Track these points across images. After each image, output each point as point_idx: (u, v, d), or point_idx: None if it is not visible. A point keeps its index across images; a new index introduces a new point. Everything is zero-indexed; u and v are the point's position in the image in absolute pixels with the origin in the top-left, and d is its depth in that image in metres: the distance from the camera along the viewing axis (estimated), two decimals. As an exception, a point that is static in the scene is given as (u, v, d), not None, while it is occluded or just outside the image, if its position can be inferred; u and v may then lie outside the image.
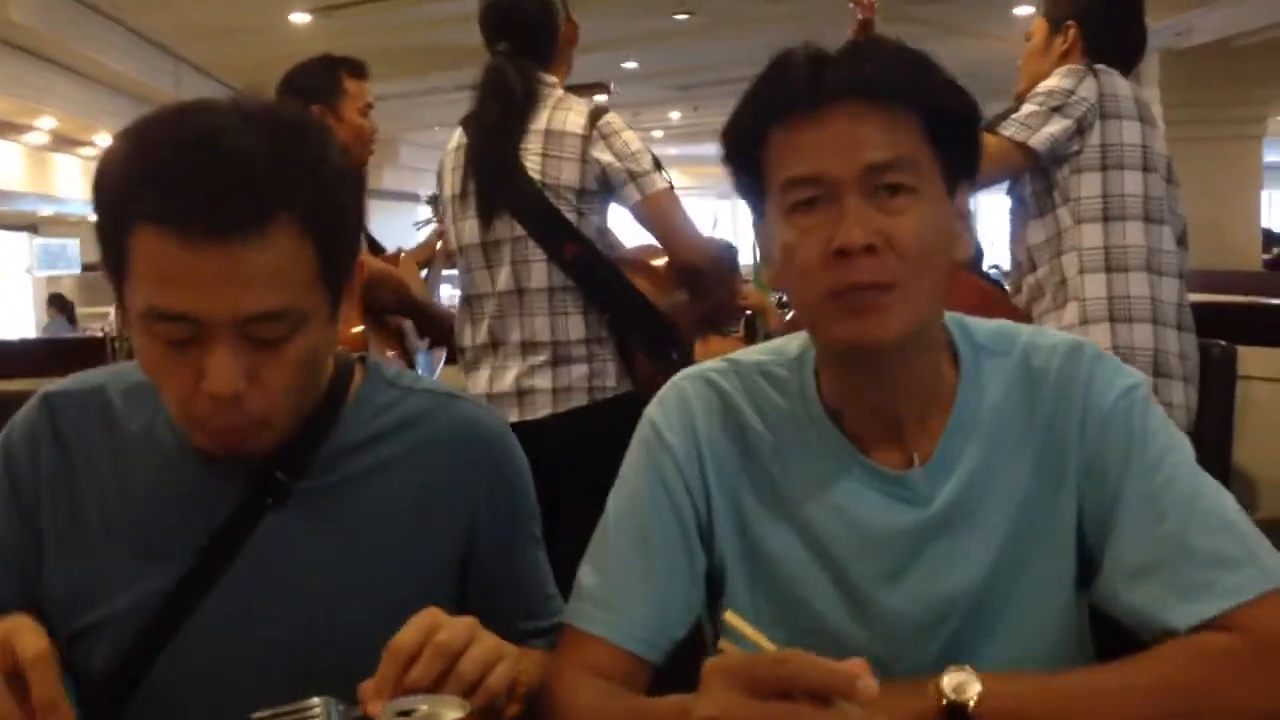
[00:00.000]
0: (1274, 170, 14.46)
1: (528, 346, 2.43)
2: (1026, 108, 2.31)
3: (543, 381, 2.41)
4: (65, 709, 0.87)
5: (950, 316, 1.10)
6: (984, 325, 1.11)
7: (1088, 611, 1.08)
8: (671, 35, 9.43)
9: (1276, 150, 15.36)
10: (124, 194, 0.92)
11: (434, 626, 0.89)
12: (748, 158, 1.04)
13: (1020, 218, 2.44)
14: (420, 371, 3.02)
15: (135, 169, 0.92)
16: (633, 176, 2.37)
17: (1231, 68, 9.09)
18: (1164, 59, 8.90)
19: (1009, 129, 2.30)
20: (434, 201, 3.52)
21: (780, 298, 4.67)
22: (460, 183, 2.50)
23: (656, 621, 1.07)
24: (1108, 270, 2.28)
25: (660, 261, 2.55)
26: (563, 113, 2.40)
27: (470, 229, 2.48)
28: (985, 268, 4.70)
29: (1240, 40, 8.83)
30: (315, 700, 0.91)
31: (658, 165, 2.40)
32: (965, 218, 1.06)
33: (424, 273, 3.43)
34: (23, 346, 5.68)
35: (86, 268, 13.86)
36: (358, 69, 2.87)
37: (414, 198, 17.88)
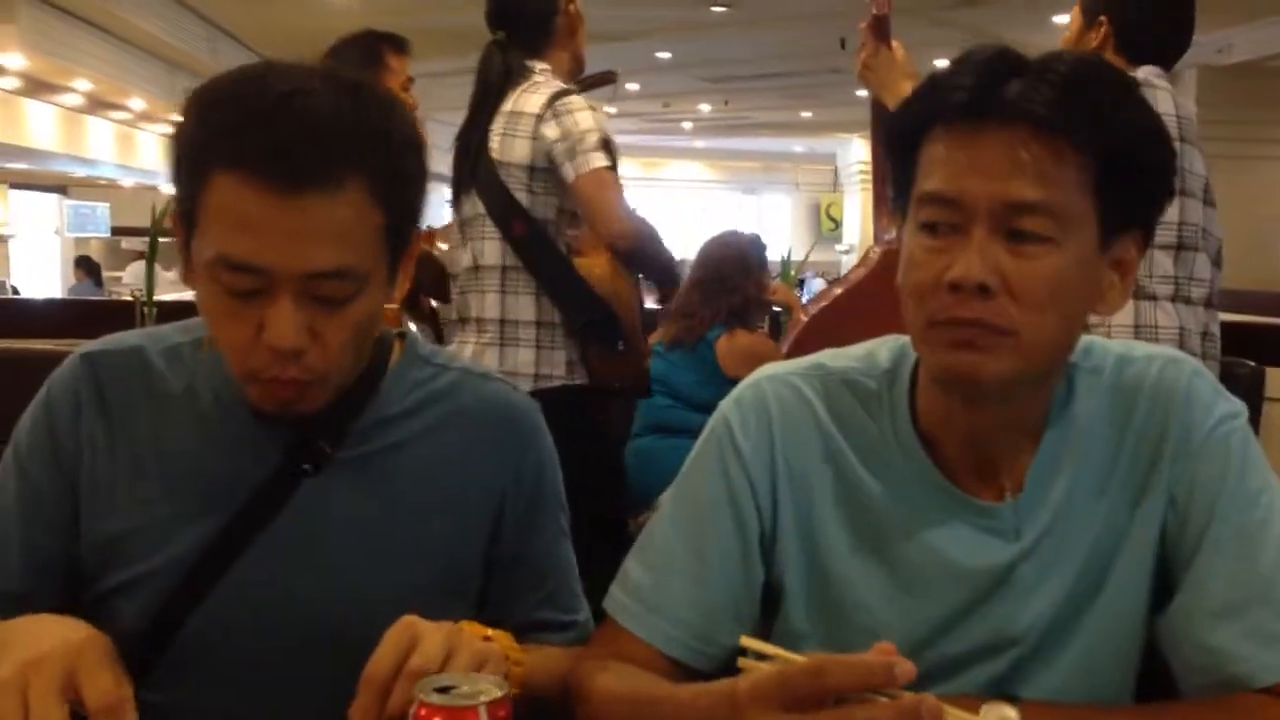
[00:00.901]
0: (1308, 192, 14.26)
1: (481, 323, 2.49)
2: None
3: (491, 361, 2.44)
4: None
5: None
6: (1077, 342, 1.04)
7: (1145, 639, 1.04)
8: (706, 27, 9.39)
9: (1311, 172, 15.14)
10: (205, 140, 0.95)
11: (410, 645, 0.88)
12: (904, 152, 0.98)
13: None
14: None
15: (219, 117, 0.95)
16: (571, 155, 2.38)
17: (1271, 86, 9.00)
18: (1202, 75, 8.82)
19: None
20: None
21: (803, 295, 4.64)
22: (451, 163, 2.60)
23: (704, 630, 1.03)
24: (1136, 298, 2.20)
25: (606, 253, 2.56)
26: (528, 94, 2.45)
27: (459, 207, 2.58)
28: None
29: (1279, 60, 8.74)
30: None
31: (603, 146, 2.38)
32: (1123, 269, 0.97)
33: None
34: (49, 307, 5.72)
35: (115, 231, 13.93)
36: (400, 45, 2.90)
37: (443, 177, 17.88)
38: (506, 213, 2.44)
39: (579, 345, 2.49)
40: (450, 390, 1.13)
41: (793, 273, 5.20)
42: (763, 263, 3.68)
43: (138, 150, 12.28)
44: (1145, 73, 2.25)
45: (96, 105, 10.46)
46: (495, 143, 2.45)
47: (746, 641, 0.85)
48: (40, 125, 10.15)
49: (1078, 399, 1.02)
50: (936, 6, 8.04)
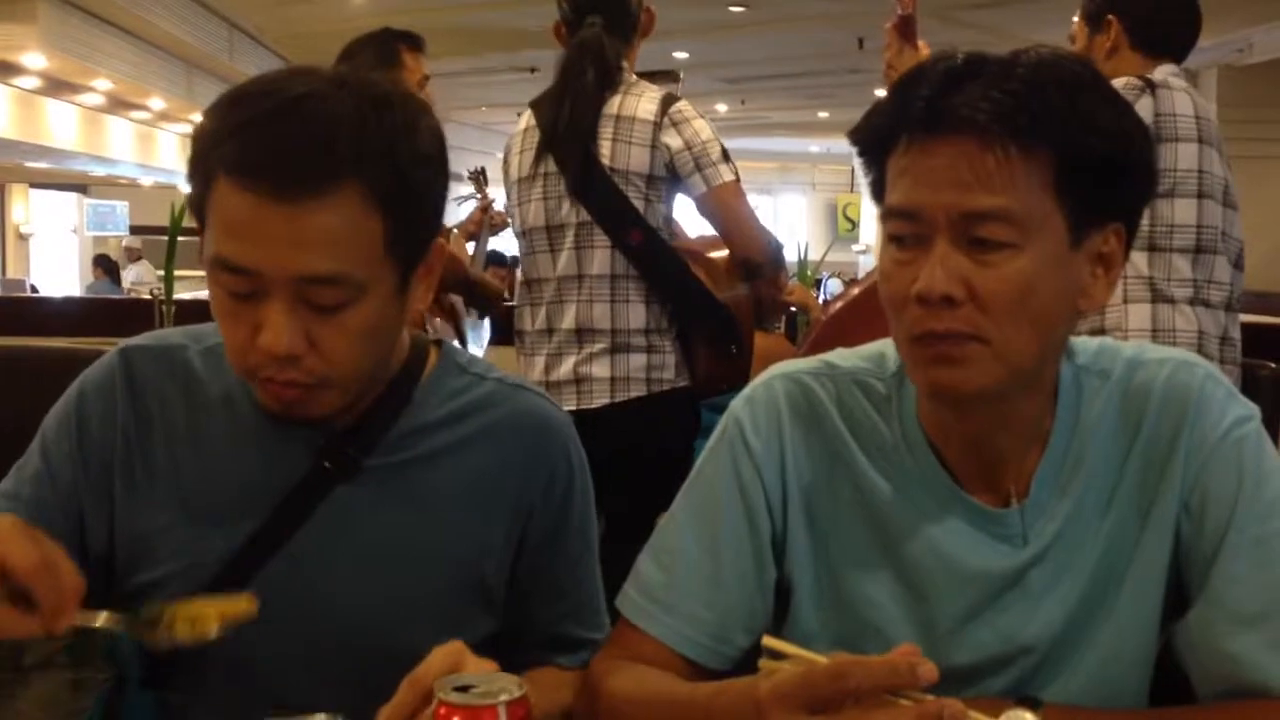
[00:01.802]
0: (1329, 193, 14.14)
1: (585, 334, 2.39)
2: None
3: (600, 370, 2.38)
4: (71, 601, 0.86)
5: None
6: (1087, 344, 1.04)
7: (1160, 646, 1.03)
8: (724, 27, 9.39)
9: (1333, 173, 15.02)
10: (211, 143, 0.96)
11: (456, 666, 0.88)
12: (874, 161, 0.97)
13: None
14: (471, 343, 3.06)
15: (224, 122, 0.96)
16: (700, 166, 2.34)
17: (1292, 87, 8.94)
18: (1223, 75, 8.77)
19: None
20: (477, 176, 3.53)
21: (820, 296, 4.61)
22: (530, 165, 2.45)
23: (718, 629, 1.03)
24: (1153, 301, 2.17)
25: (720, 254, 2.53)
26: (634, 98, 2.38)
27: (536, 212, 2.45)
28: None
29: (1303, 59, 8.68)
30: (322, 716, 0.89)
31: (726, 157, 2.37)
32: (1106, 262, 0.96)
33: (470, 246, 3.45)
34: (67, 305, 5.76)
35: (134, 230, 14.02)
36: (416, 43, 2.89)
37: (458, 177, 17.90)
38: (624, 221, 2.36)
39: (684, 347, 2.44)
40: (485, 401, 1.12)
41: (809, 273, 5.18)
42: (779, 264, 3.67)
43: (157, 149, 12.35)
44: (1162, 73, 2.22)
45: (116, 105, 10.53)
46: (605, 148, 2.35)
47: (768, 641, 0.84)
48: (60, 125, 10.22)
49: (1085, 401, 1.01)
50: (957, 7, 8.01)
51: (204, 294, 1.12)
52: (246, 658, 1.04)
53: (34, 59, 8.01)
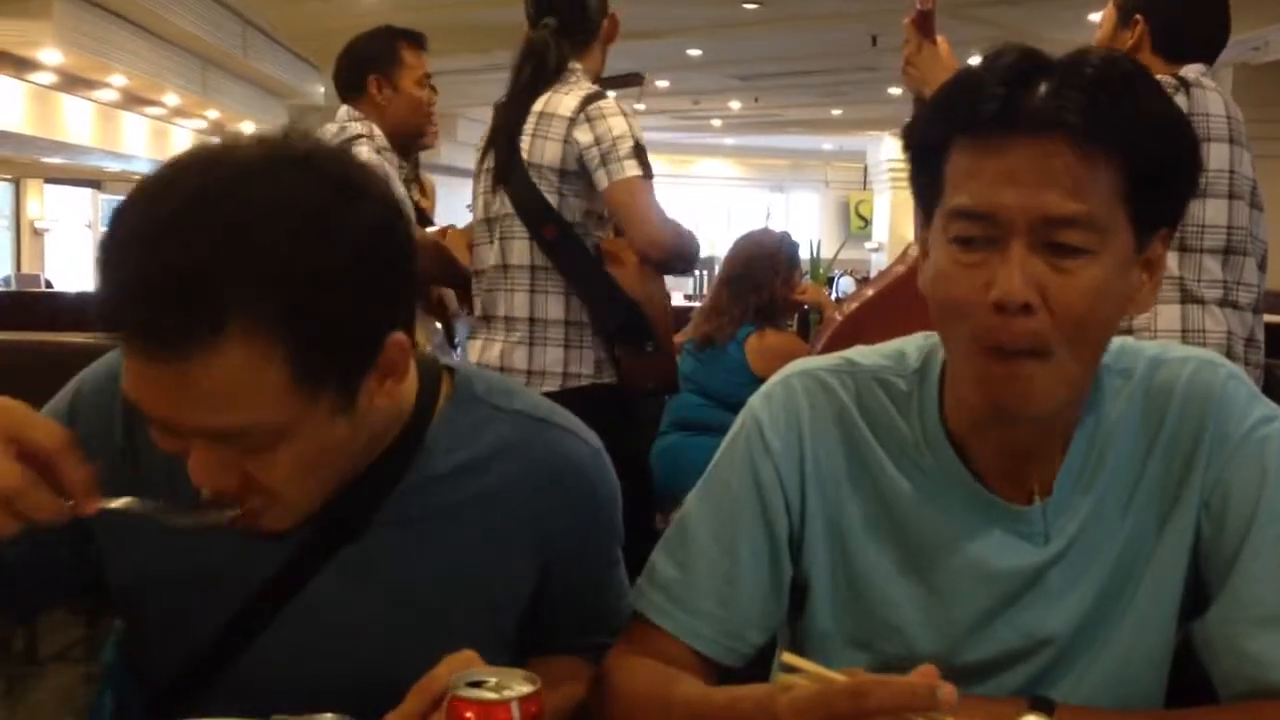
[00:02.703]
0: (1346, 193, 14.01)
1: (509, 321, 2.49)
2: None
3: (520, 361, 2.45)
4: (94, 482, 0.85)
5: None
6: (1109, 344, 1.01)
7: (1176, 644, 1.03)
8: (738, 24, 9.36)
9: (1350, 173, 14.92)
10: (96, 300, 0.85)
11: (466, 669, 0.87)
12: (928, 161, 0.95)
13: None
14: (459, 338, 3.07)
15: (100, 260, 0.85)
16: (605, 161, 2.37)
17: (1309, 86, 8.88)
18: (1238, 73, 8.72)
19: None
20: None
21: (833, 294, 4.60)
22: (480, 160, 2.58)
23: (733, 626, 1.03)
24: (1183, 302, 2.16)
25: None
26: (560, 96, 2.43)
27: (480, 205, 2.57)
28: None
29: (1319, 58, 8.62)
30: (329, 716, 0.90)
31: (637, 154, 2.37)
32: (1152, 267, 0.95)
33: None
34: (82, 300, 5.77)
35: (147, 225, 14.02)
36: (417, 40, 2.91)
37: (470, 174, 17.90)
38: (537, 214, 2.43)
39: (607, 345, 2.49)
40: (505, 445, 1.04)
41: (822, 271, 5.18)
42: (793, 261, 3.67)
43: (171, 145, 12.37)
44: (1194, 72, 2.21)
45: (131, 100, 10.55)
46: (525, 143, 2.43)
47: (787, 658, 0.85)
48: (76, 120, 10.24)
49: (1106, 400, 1.01)
50: (974, 4, 7.98)
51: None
52: (253, 711, 1.00)
53: (50, 55, 8.03)
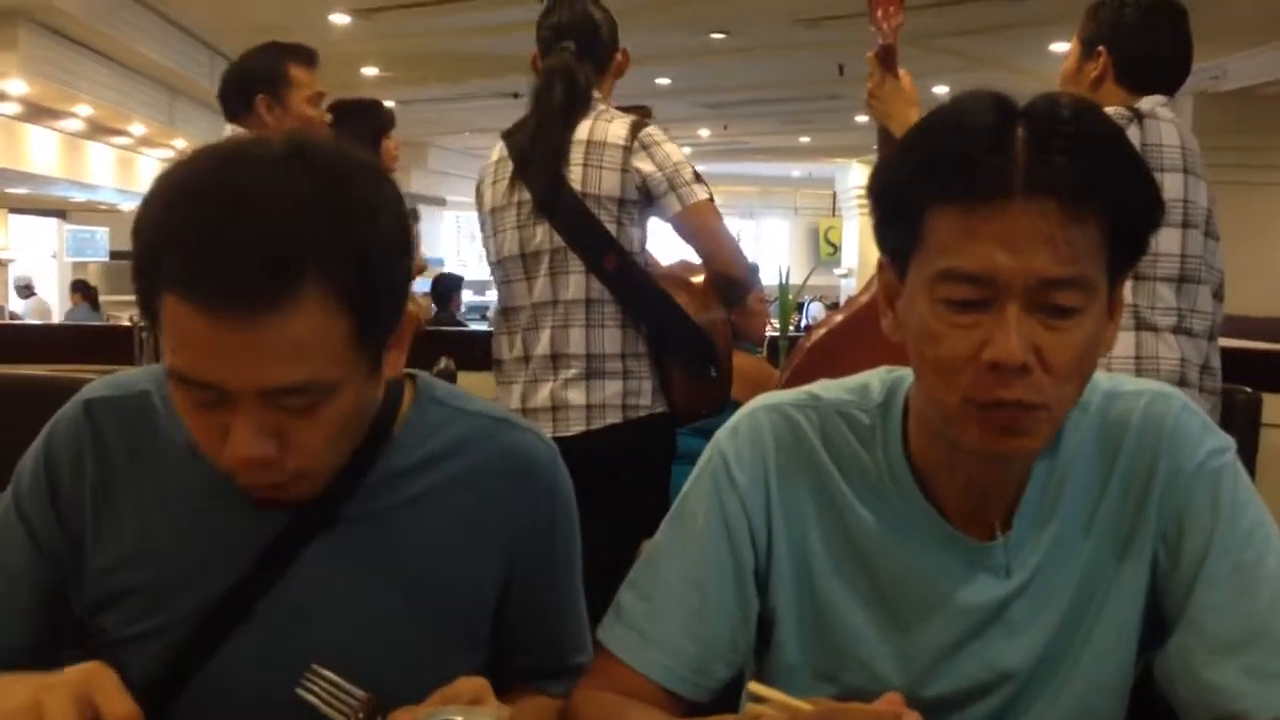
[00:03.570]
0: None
1: (560, 359, 2.39)
2: None
3: (576, 396, 2.36)
4: None
5: None
6: None
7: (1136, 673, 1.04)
8: (705, 54, 9.45)
9: (1308, 198, 15.22)
10: (152, 256, 0.89)
11: (480, 699, 0.89)
12: (904, 216, 0.93)
13: None
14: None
15: (162, 230, 0.89)
16: (673, 186, 2.35)
17: (1264, 113, 9.05)
18: (1198, 102, 8.87)
19: None
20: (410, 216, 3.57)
21: (803, 320, 4.60)
22: (503, 195, 2.47)
23: (700, 661, 1.03)
24: (1137, 329, 2.17)
25: (697, 278, 2.53)
26: (604, 124, 2.39)
27: (510, 240, 2.45)
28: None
29: (1273, 87, 8.80)
30: (364, 694, 0.94)
31: (699, 178, 2.38)
32: (1115, 308, 0.96)
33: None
34: (48, 332, 5.72)
35: (114, 255, 13.95)
36: (307, 57, 2.85)
37: (441, 202, 17.92)
38: (597, 245, 2.36)
39: (660, 373, 2.44)
40: (465, 440, 1.08)
41: (791, 297, 5.20)
42: (756, 286, 3.65)
43: (138, 175, 12.31)
44: (1150, 104, 2.23)
45: (97, 130, 10.51)
46: (575, 173, 2.36)
47: (755, 687, 0.85)
48: (41, 150, 10.18)
49: (1063, 434, 1.01)
50: (937, 34, 8.09)
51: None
52: (227, 714, 1.02)
53: (14, 85, 7.99)
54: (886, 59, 2.37)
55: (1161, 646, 0.99)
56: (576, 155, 2.37)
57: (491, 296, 2.97)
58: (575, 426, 2.36)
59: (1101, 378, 1.05)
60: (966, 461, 0.98)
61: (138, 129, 10.39)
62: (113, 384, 1.09)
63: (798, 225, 22.21)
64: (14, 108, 8.85)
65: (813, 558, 1.04)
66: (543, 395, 2.40)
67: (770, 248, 19.67)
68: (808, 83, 10.33)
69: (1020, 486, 1.00)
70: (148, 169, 12.35)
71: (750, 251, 4.15)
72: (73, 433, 1.06)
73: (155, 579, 1.03)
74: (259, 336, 0.87)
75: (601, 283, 2.37)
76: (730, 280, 2.45)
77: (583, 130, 2.38)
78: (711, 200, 2.39)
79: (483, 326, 5.71)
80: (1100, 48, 2.33)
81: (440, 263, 12.81)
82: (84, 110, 9.27)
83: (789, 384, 1.13)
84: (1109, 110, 2.15)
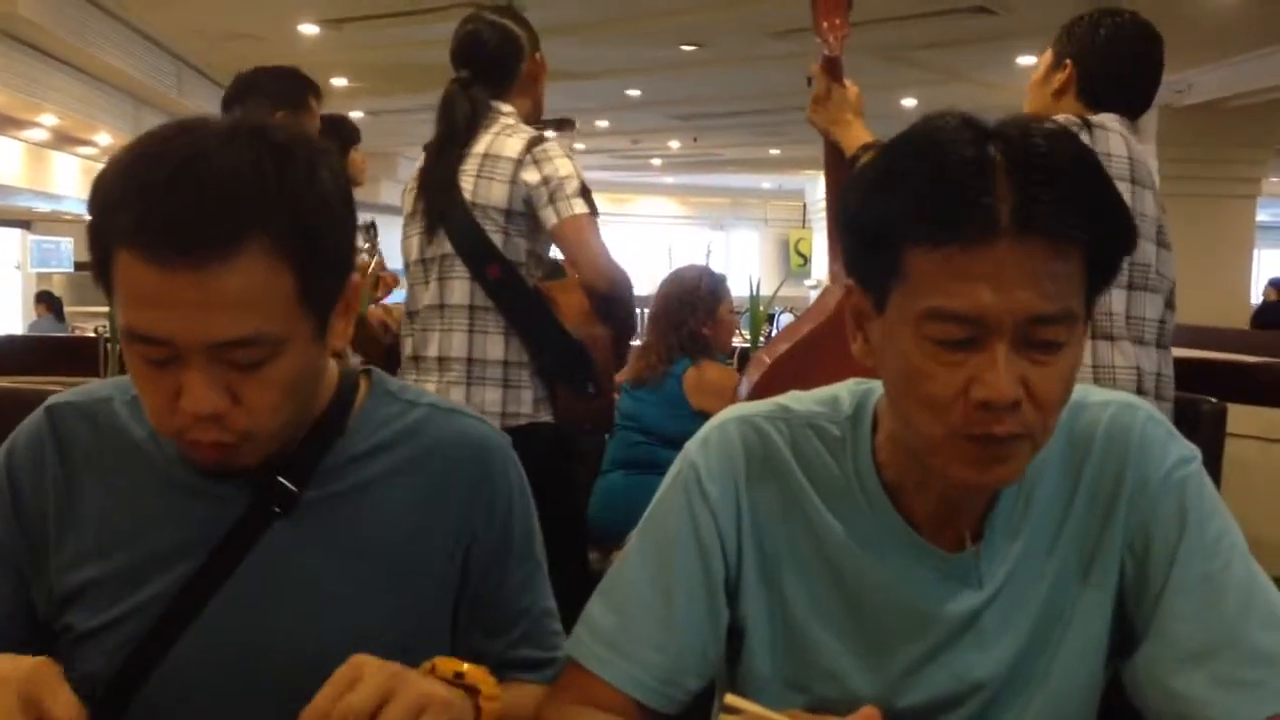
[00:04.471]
0: (1265, 230, 14.52)
1: (444, 361, 2.48)
2: None
3: (457, 401, 2.41)
4: None
5: None
6: None
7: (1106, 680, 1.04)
8: (676, 65, 9.47)
9: (1268, 210, 15.47)
10: (105, 215, 0.93)
11: (349, 687, 0.89)
12: (880, 249, 0.91)
13: None
14: None
15: (116, 191, 0.93)
16: (553, 199, 2.41)
17: (1228, 127, 9.18)
18: (1162, 115, 8.98)
19: None
20: (368, 228, 3.61)
21: (774, 330, 4.62)
22: (411, 202, 2.59)
23: (670, 672, 1.03)
24: (1093, 338, 2.19)
25: (578, 294, 2.55)
26: (504, 138, 2.47)
27: (414, 245, 2.57)
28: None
29: (1237, 100, 8.92)
30: None
31: (583, 193, 2.42)
32: (1086, 324, 0.95)
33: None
34: (10, 344, 5.64)
35: (79, 266, 13.80)
36: (318, 91, 3.01)
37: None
38: (480, 254, 2.44)
39: (546, 384, 2.50)
40: (420, 426, 1.12)
41: (762, 308, 5.21)
42: (715, 296, 3.65)
43: (104, 185, 12.19)
44: (1101, 117, 2.27)
45: (62, 140, 10.41)
46: (468, 184, 2.45)
47: (731, 700, 0.85)
48: (5, 160, 10.07)
49: None
50: (905, 47, 8.15)
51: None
52: (192, 701, 1.03)
53: (-22, 94, 7.91)
54: (832, 70, 2.40)
55: (1130, 656, 1.00)
56: (471, 167, 2.47)
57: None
58: None
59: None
60: (940, 482, 0.98)
61: (103, 139, 10.30)
62: (75, 392, 1.12)
63: (768, 237, 22.28)
64: (-23, 117, 8.75)
65: (783, 569, 1.04)
66: None
67: (740, 259, 19.71)
68: (777, 95, 10.37)
69: (991, 498, 1.01)
70: (114, 179, 12.23)
71: (720, 263, 4.16)
72: (33, 435, 1.09)
73: (116, 571, 1.04)
74: (206, 288, 0.90)
75: (485, 291, 2.45)
76: (598, 294, 2.47)
77: (482, 143, 2.48)
78: (590, 215, 2.43)
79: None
80: (1067, 61, 2.39)
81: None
82: (49, 120, 9.18)
83: (750, 398, 1.12)
84: (1060, 118, 2.19)
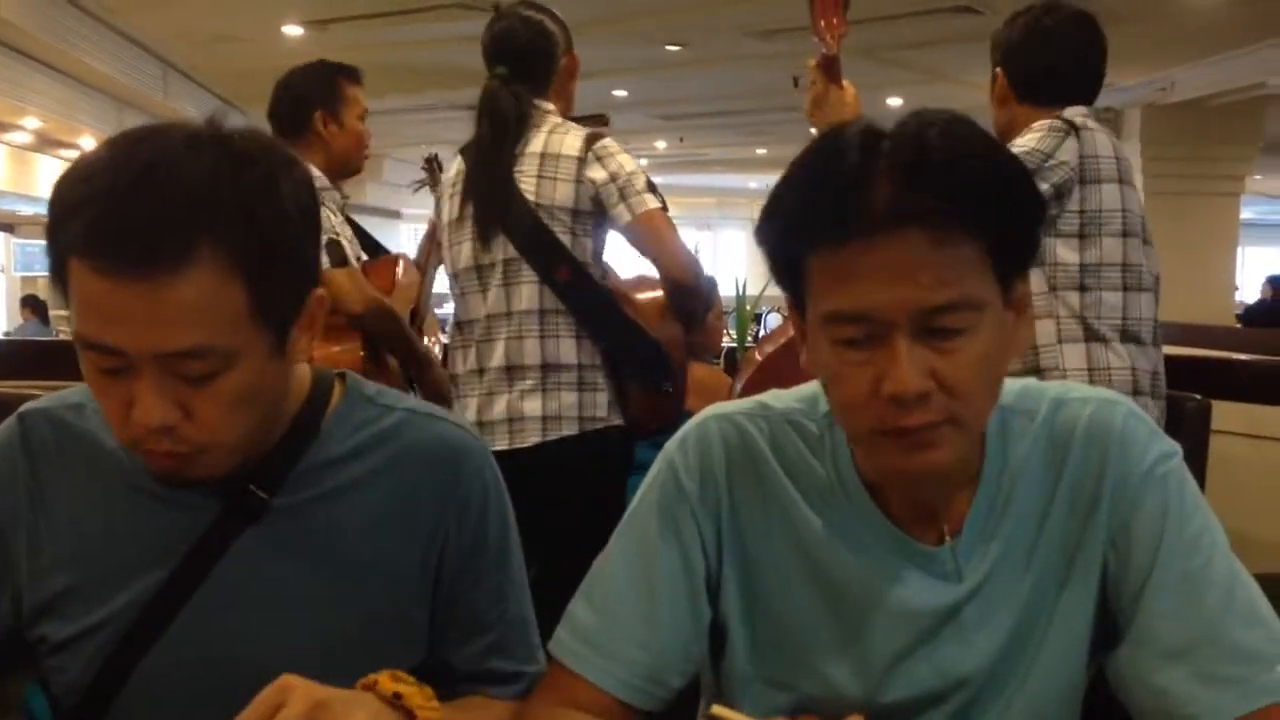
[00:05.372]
0: (1249, 227, 14.60)
1: (515, 371, 2.39)
2: None
3: (533, 408, 2.36)
4: None
5: None
6: (1011, 385, 1.03)
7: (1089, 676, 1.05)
8: (662, 66, 9.48)
9: (1252, 208, 15.57)
10: (59, 222, 0.93)
11: (274, 708, 0.88)
12: (788, 264, 0.95)
13: None
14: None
15: (70, 198, 0.92)
16: (624, 196, 2.35)
17: (1212, 125, 9.22)
18: (1146, 114, 9.03)
19: None
20: (430, 164, 3.45)
21: (760, 330, 4.64)
22: (458, 208, 2.48)
23: (653, 670, 1.03)
24: (1087, 340, 2.20)
25: (652, 295, 2.53)
26: (559, 136, 2.40)
27: (465, 252, 2.46)
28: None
29: (1221, 98, 8.97)
30: None
31: (651, 187, 2.39)
32: (1020, 304, 0.95)
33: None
34: (-7, 346, 5.60)
35: (63, 269, 13.70)
36: (354, 75, 2.88)
37: (396, 214, 17.83)
38: (549, 256, 2.37)
39: (617, 386, 2.43)
40: (394, 432, 1.10)
41: (748, 308, 5.22)
42: (709, 294, 3.63)
43: (88, 188, 12.14)
44: (1074, 114, 2.26)
45: (45, 143, 10.35)
46: (529, 185, 2.37)
47: (717, 710, 0.85)
48: (-13, 163, 10.02)
49: (1012, 441, 1.02)
50: (893, 47, 8.16)
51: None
52: (168, 708, 1.03)
53: (-40, 97, 7.86)
54: (830, 69, 2.38)
55: (1113, 651, 1.00)
56: (530, 167, 2.38)
57: (449, 309, 2.94)
58: (531, 438, 2.35)
59: (1051, 385, 1.06)
60: (905, 478, 0.99)
61: (87, 142, 10.23)
62: (49, 398, 1.11)
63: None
64: (-40, 120, 8.71)
65: (764, 565, 1.04)
66: (499, 408, 2.39)
67: (727, 259, 19.73)
68: (763, 95, 10.39)
69: (970, 490, 1.01)
70: (98, 182, 12.18)
71: (708, 264, 4.15)
72: (4, 442, 1.08)
73: (89, 579, 1.04)
74: (156, 298, 0.90)
75: (555, 293, 2.37)
76: (682, 288, 2.44)
77: (537, 143, 2.40)
78: (664, 209, 2.38)
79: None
80: (997, 69, 2.37)
81: (396, 275, 12.69)
82: (32, 123, 9.13)
83: (743, 396, 1.13)
84: (1044, 123, 2.21)
